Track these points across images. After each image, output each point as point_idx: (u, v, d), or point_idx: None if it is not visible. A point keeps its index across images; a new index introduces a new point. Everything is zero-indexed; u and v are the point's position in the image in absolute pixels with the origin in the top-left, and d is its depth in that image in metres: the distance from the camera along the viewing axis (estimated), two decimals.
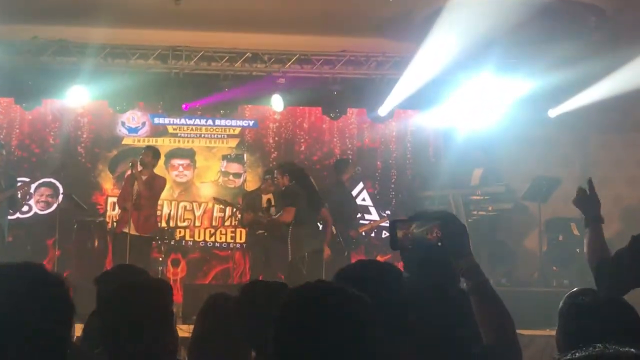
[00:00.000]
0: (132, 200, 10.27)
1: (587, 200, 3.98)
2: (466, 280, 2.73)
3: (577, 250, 10.81)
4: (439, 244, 2.70)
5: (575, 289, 3.27)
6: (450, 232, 2.71)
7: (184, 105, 11.63)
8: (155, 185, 10.55)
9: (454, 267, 2.81)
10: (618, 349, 1.25)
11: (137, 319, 2.99)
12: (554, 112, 11.60)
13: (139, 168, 10.37)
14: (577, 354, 1.21)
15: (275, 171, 10.14)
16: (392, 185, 12.50)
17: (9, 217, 10.57)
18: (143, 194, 10.31)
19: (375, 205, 12.45)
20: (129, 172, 10.81)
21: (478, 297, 2.69)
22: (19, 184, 10.44)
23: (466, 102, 11.35)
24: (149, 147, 10.85)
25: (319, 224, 10.17)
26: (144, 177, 10.37)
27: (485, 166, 11.11)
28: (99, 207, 12.16)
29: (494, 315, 2.68)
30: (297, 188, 9.74)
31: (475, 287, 2.69)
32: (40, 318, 1.95)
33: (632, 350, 1.40)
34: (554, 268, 10.49)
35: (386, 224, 11.87)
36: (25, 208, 11.91)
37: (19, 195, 10.47)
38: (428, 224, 2.73)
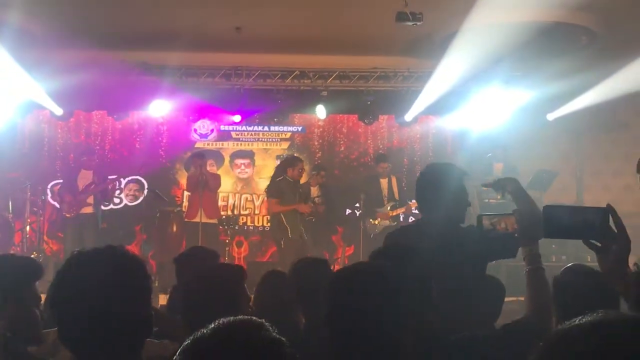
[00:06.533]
0: (200, 194, 10.46)
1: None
2: (525, 263, 2.80)
3: None
4: (516, 234, 2.85)
5: (570, 264, 3.31)
6: (522, 225, 2.84)
7: (240, 117, 11.80)
8: (212, 181, 10.77)
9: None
10: (620, 313, 1.22)
11: (210, 298, 2.88)
12: (552, 116, 11.48)
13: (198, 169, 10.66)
14: (577, 322, 1.17)
15: None
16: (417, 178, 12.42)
17: (103, 208, 10.70)
18: (205, 190, 10.56)
19: (401, 195, 12.42)
20: (188, 173, 11.15)
21: (531, 279, 2.76)
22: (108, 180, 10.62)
23: (478, 109, 11.25)
24: (196, 153, 11.12)
25: None
26: (203, 177, 10.56)
27: (504, 161, 11.06)
28: (177, 199, 12.24)
29: (539, 295, 2.75)
30: None
31: (530, 271, 2.77)
32: (126, 290, 1.93)
33: (630, 313, 1.38)
34: (553, 246, 10.39)
35: (416, 210, 11.92)
36: (116, 200, 12.03)
37: (110, 190, 10.64)
38: (499, 217, 2.89)
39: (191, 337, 1.51)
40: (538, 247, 2.81)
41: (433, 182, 3.78)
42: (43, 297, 3.94)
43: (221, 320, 1.53)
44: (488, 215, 2.91)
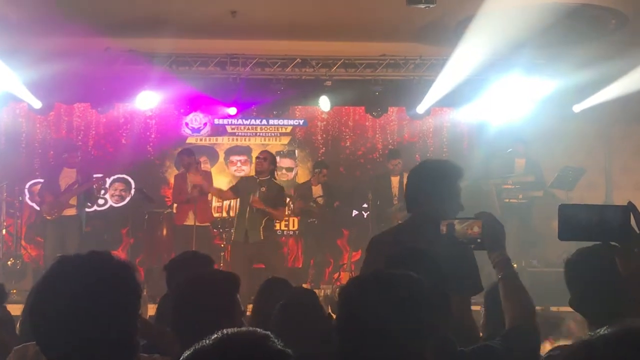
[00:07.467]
0: (188, 195, 10.25)
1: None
2: (497, 270, 2.83)
3: None
4: (478, 240, 2.86)
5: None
6: (489, 229, 2.84)
7: (236, 110, 11.67)
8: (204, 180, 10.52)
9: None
10: None
11: (202, 308, 2.88)
12: (578, 108, 11.46)
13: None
14: (601, 332, 1.18)
15: None
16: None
17: (87, 210, 10.73)
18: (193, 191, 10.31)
19: None
20: (179, 171, 11.11)
21: (506, 286, 2.78)
22: (93, 179, 10.53)
23: (497, 100, 11.23)
24: (182, 151, 10.76)
25: None
26: (193, 176, 10.34)
27: (526, 157, 10.96)
28: (166, 199, 12.09)
29: (517, 302, 2.76)
30: None
31: (504, 277, 2.80)
32: (111, 298, 1.95)
33: None
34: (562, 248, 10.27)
35: None
36: (101, 201, 12.03)
37: (94, 190, 10.54)
38: (469, 221, 2.88)
39: (192, 349, 1.52)
40: (506, 251, 2.84)
41: (420, 180, 3.70)
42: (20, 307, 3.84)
43: (225, 331, 1.55)
44: (459, 220, 2.93)
